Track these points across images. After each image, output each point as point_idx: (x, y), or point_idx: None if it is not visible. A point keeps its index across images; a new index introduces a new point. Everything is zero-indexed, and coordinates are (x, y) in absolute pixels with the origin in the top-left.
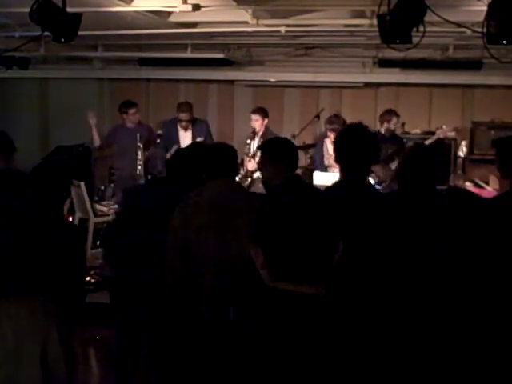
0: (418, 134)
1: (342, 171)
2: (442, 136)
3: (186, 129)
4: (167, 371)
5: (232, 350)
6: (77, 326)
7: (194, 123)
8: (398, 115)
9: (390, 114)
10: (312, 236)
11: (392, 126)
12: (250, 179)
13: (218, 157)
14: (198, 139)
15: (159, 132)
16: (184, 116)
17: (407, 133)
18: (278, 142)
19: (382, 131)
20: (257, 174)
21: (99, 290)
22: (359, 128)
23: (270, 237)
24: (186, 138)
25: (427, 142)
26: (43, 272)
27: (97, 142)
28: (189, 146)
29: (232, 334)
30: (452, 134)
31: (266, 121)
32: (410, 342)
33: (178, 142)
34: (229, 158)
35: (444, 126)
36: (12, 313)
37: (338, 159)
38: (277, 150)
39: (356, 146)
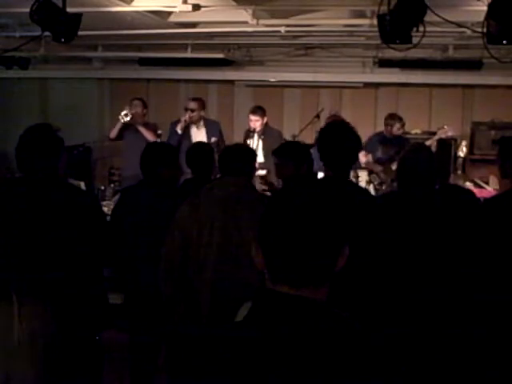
0: (418, 134)
1: (325, 169)
2: (443, 136)
3: (194, 123)
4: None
5: (229, 353)
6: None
7: (207, 123)
8: (401, 120)
9: (393, 118)
10: (314, 240)
11: (395, 131)
12: None
13: (235, 155)
14: (213, 139)
15: (159, 132)
16: (191, 105)
17: (407, 133)
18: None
19: (385, 133)
20: (257, 173)
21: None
22: (340, 126)
23: (271, 238)
24: (198, 137)
25: (428, 143)
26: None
27: (113, 134)
28: (195, 145)
29: (229, 335)
30: (453, 134)
31: (265, 119)
32: (413, 348)
33: (189, 140)
34: (247, 157)
35: (445, 126)
36: (14, 314)
37: (321, 157)
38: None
39: (337, 144)
